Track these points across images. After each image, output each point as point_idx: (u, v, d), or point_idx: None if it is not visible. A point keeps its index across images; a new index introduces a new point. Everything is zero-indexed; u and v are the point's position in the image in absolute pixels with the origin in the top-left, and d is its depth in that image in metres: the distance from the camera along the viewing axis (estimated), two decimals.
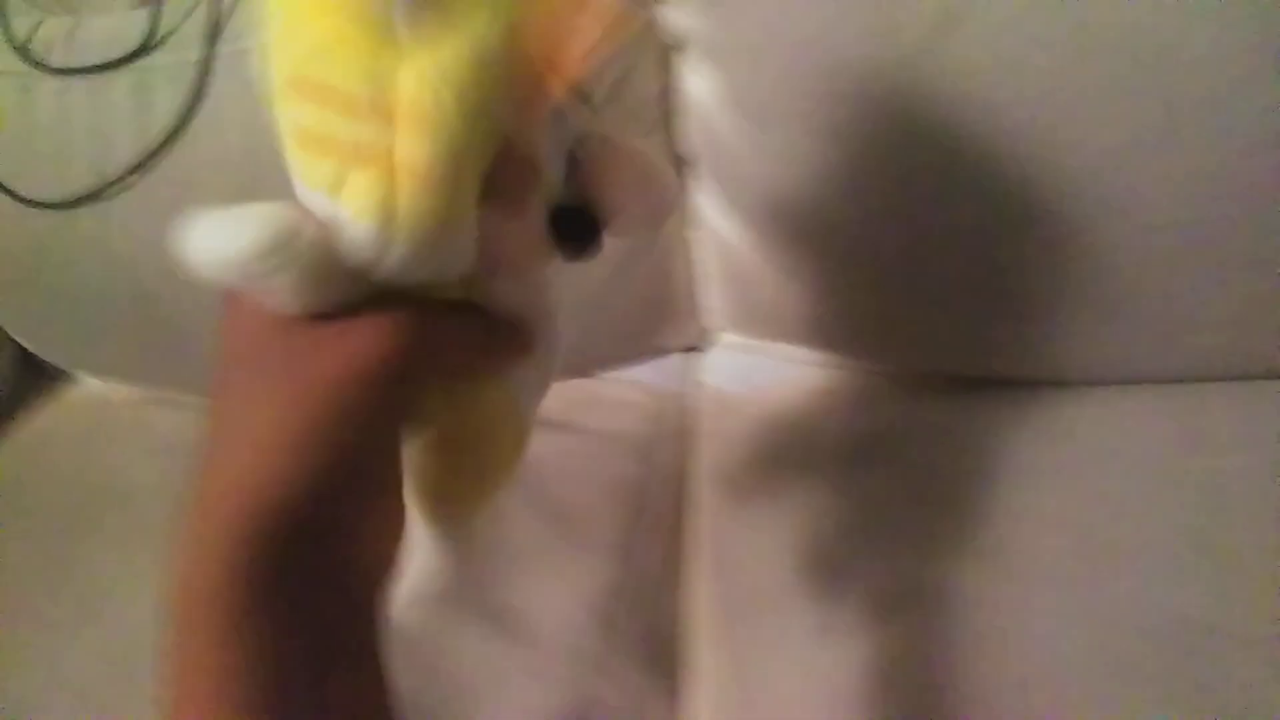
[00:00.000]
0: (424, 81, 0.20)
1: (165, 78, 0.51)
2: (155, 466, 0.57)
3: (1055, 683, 0.39)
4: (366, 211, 0.21)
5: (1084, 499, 0.45)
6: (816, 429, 0.52)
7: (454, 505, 0.31)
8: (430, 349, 0.23)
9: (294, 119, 0.22)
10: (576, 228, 0.26)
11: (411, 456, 0.28)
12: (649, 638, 0.51)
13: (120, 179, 0.51)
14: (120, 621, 0.51)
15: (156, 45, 0.51)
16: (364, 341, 0.22)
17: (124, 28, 0.52)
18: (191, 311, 0.54)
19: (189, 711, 0.21)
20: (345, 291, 0.22)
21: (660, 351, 0.59)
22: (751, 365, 0.56)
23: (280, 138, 0.22)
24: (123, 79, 0.52)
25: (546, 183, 0.25)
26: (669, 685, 0.50)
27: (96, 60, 0.52)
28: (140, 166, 0.51)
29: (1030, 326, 0.45)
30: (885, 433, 0.51)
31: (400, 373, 0.22)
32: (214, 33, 0.49)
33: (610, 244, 0.27)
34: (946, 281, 0.44)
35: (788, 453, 0.52)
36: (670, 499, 0.54)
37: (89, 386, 0.69)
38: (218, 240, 0.21)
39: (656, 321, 0.56)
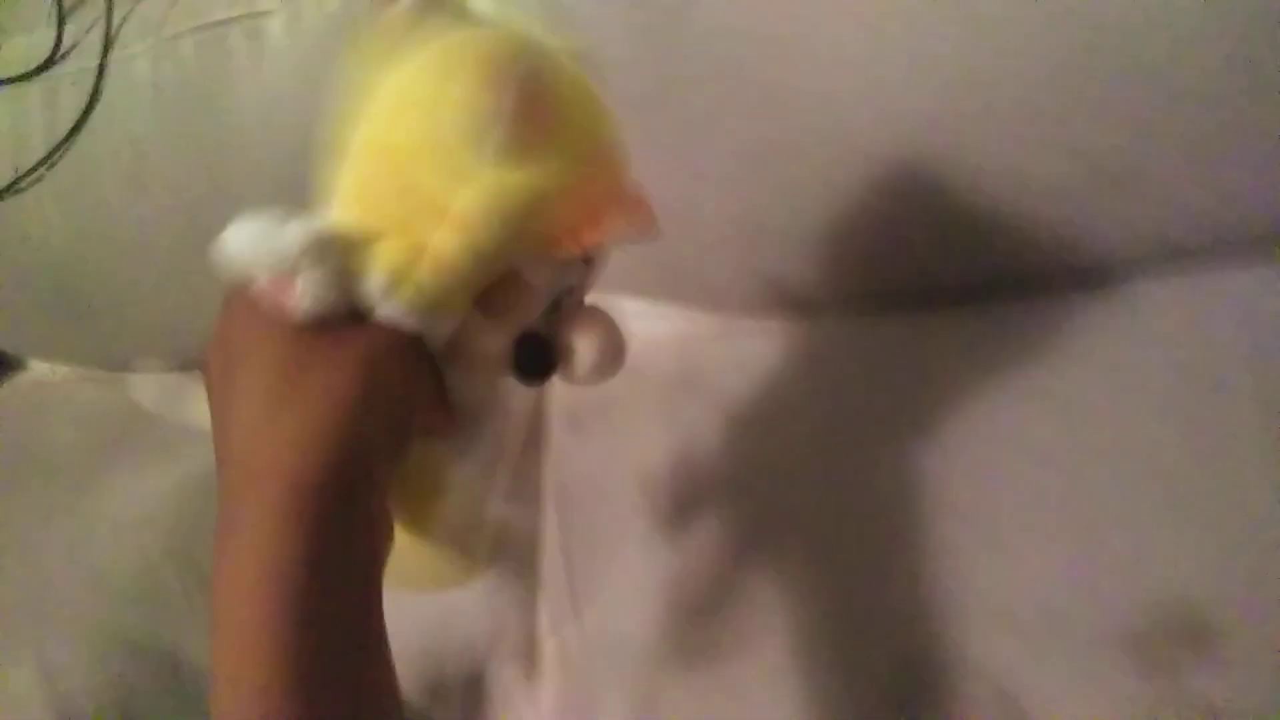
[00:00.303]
0: (482, 199, 0.24)
1: (69, 83, 0.58)
2: (74, 434, 0.64)
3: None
4: (385, 269, 0.25)
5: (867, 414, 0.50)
6: (649, 366, 0.58)
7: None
8: (421, 358, 0.27)
9: (364, 174, 0.26)
10: (535, 356, 0.30)
11: None
12: (507, 554, 0.57)
13: (31, 171, 0.59)
14: (34, 573, 0.57)
15: (62, 58, 0.59)
16: (380, 338, 0.25)
17: (39, 43, 0.60)
18: (100, 289, 0.61)
19: (238, 645, 0.23)
20: (351, 307, 0.25)
21: None
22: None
23: (336, 166, 0.26)
24: (36, 86, 0.60)
25: (529, 313, 0.29)
26: (526, 596, 0.55)
27: (16, 72, 0.60)
28: (47, 160, 0.58)
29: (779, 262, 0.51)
30: (704, 367, 0.57)
31: (407, 368, 0.26)
32: (107, 43, 0.57)
33: None
34: (719, 226, 0.51)
35: (622, 388, 0.58)
36: (527, 434, 0.60)
37: (36, 370, 0.76)
38: (260, 237, 0.25)
39: None
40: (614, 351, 0.31)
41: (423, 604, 0.53)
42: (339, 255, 0.25)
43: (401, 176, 0.25)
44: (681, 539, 0.50)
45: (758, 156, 0.47)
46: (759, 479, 0.50)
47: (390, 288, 0.25)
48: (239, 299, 0.26)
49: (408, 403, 0.27)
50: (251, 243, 0.25)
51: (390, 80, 0.26)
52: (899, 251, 0.48)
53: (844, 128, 0.45)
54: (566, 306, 0.30)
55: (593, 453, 0.56)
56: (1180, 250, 0.44)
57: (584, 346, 0.30)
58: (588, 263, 0.31)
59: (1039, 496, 0.40)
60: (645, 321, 0.61)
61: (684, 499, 0.52)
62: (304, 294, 0.24)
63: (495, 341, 0.28)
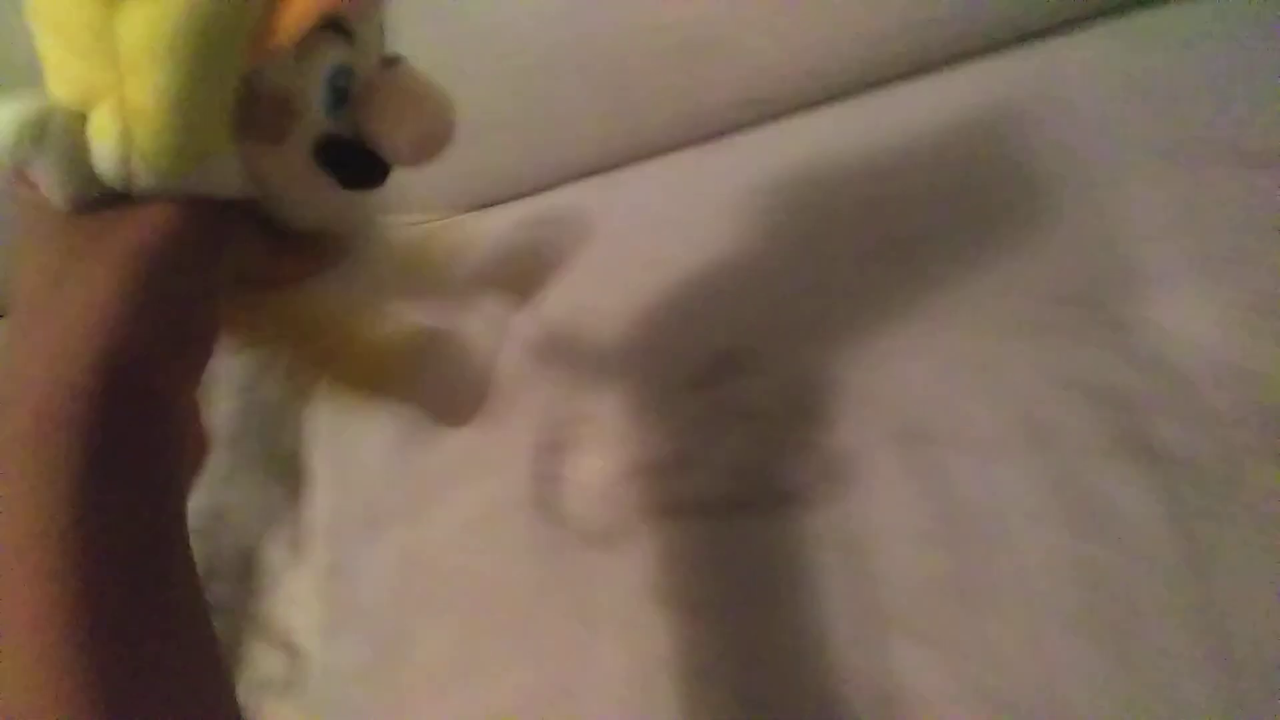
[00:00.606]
0: (139, 30, 0.21)
1: None
2: None
3: None
4: (105, 143, 0.22)
5: None
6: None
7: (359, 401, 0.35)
8: (212, 239, 0.24)
9: (40, 45, 0.23)
10: (350, 159, 0.26)
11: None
12: (272, 454, 0.63)
13: None
14: None
15: None
16: (147, 220, 0.23)
17: None
18: None
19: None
20: (111, 189, 0.23)
21: None
22: None
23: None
24: None
25: (305, 117, 0.25)
26: (290, 491, 0.62)
27: None
28: None
29: None
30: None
31: (184, 249, 0.23)
32: None
33: None
34: None
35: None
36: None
37: None
38: None
39: None
40: (428, 122, 0.27)
41: (198, 496, 0.59)
42: (60, 136, 0.22)
43: (62, 39, 0.23)
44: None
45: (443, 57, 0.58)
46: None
47: (114, 161, 0.22)
48: (15, 193, 0.24)
49: (198, 290, 0.24)
50: None
51: None
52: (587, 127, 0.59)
53: (517, 23, 0.55)
54: (355, 91, 0.26)
55: None
56: None
57: (391, 128, 0.26)
58: (346, 36, 0.26)
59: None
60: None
61: None
62: (43, 186, 0.22)
63: (287, 163, 0.25)
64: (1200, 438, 0.38)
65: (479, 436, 0.53)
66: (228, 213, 0.25)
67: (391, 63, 0.27)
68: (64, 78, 0.23)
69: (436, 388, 0.38)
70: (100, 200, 0.23)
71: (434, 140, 0.27)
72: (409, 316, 0.37)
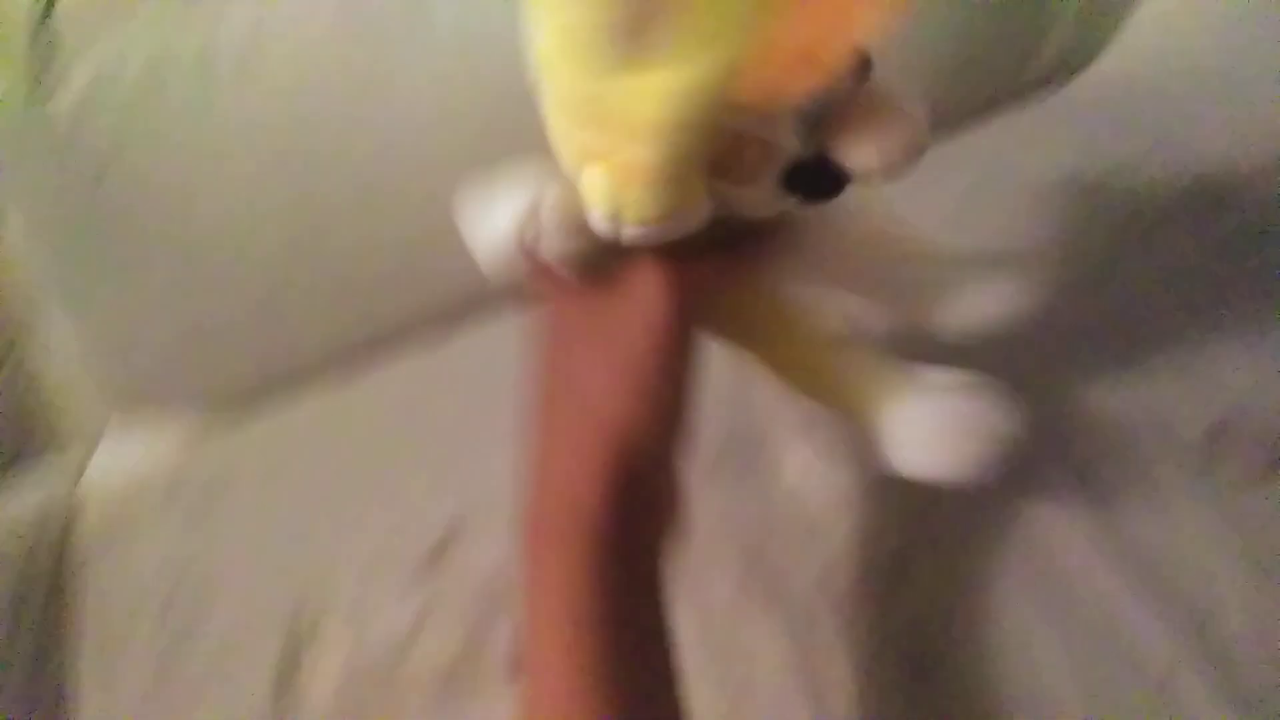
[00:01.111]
0: (646, 103, 0.23)
1: None
2: None
3: None
4: (598, 201, 0.25)
5: None
6: (177, 478, 0.68)
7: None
8: (697, 287, 0.27)
9: (549, 117, 0.25)
10: (814, 179, 0.28)
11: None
12: (37, 688, 0.61)
13: None
14: None
15: None
16: (648, 300, 0.26)
17: None
18: None
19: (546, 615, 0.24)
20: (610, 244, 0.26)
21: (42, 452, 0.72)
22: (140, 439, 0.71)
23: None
24: None
25: (781, 154, 0.27)
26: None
27: None
28: None
29: None
30: (218, 475, 0.67)
31: (680, 318, 0.26)
32: None
33: None
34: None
35: (152, 503, 0.67)
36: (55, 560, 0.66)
37: None
38: (485, 227, 0.25)
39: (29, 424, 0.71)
40: (901, 139, 0.28)
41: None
42: (552, 209, 0.25)
43: (564, 106, 0.25)
44: None
45: None
46: None
47: (611, 219, 0.25)
48: (534, 284, 0.28)
49: (689, 355, 0.27)
50: (480, 236, 0.26)
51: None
52: None
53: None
54: (834, 117, 0.28)
55: (128, 560, 0.64)
56: None
57: (865, 148, 0.28)
58: (853, 72, 0.27)
59: None
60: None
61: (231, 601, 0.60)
62: (549, 254, 0.25)
63: (755, 192, 0.28)
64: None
65: (230, 638, 0.55)
66: (696, 268, 0.27)
67: (862, 75, 0.28)
68: (566, 145, 0.25)
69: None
70: (601, 255, 0.26)
71: (908, 156, 0.28)
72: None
